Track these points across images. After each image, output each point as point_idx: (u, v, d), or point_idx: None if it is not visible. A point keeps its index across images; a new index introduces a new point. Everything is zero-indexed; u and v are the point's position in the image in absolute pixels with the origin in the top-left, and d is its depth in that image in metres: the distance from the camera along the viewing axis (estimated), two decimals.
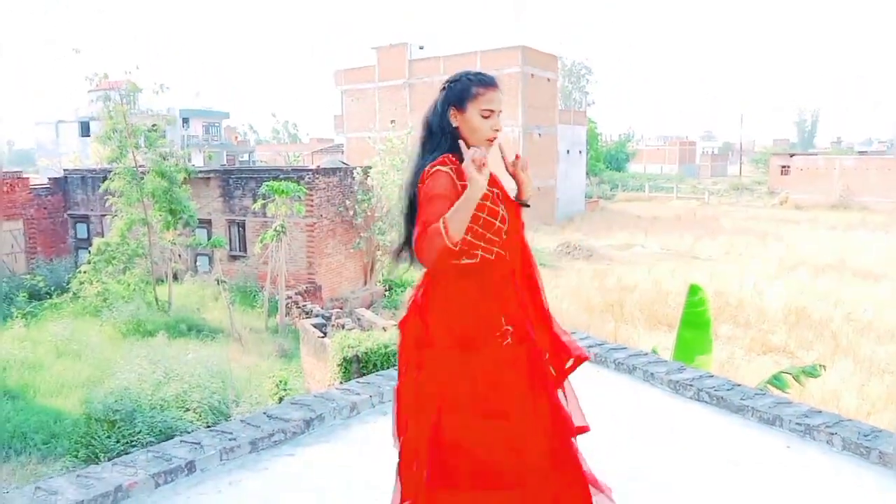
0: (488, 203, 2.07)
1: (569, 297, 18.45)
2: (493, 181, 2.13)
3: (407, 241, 2.19)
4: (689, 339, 6.02)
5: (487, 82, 2.12)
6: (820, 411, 3.52)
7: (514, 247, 2.16)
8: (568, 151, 40.63)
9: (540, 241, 27.93)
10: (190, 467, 2.98)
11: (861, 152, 65.30)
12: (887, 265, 22.59)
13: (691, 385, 3.86)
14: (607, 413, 3.68)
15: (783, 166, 51.29)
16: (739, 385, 3.89)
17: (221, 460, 3.09)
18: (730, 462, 3.16)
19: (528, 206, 2.21)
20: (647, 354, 4.43)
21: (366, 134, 33.39)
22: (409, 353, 2.17)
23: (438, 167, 2.04)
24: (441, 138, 2.13)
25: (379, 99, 37.57)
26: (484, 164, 1.91)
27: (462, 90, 2.12)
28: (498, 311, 2.08)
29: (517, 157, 2.18)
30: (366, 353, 10.56)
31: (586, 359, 2.26)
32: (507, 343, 2.07)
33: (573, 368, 2.25)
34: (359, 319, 14.72)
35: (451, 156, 2.08)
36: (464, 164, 1.92)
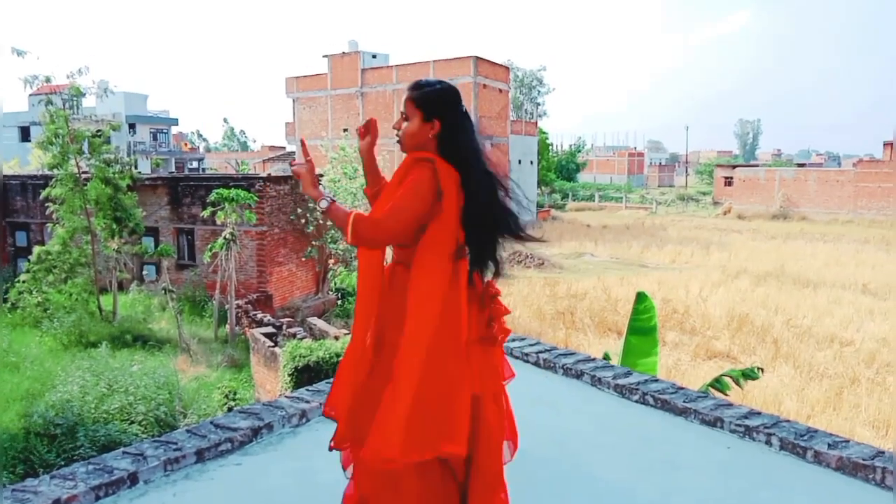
0: None
1: (521, 305, 18.63)
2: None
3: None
4: (636, 344, 6.12)
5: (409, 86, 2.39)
6: (759, 413, 3.61)
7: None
8: (520, 161, 41.04)
9: None
10: (133, 479, 2.90)
11: (800, 165, 67.70)
12: (825, 273, 23.39)
13: (637, 389, 3.93)
14: (554, 417, 3.72)
15: (726, 178, 52.87)
16: (683, 388, 3.97)
17: (166, 471, 3.01)
18: (672, 463, 3.22)
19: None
20: (594, 360, 4.51)
21: (318, 142, 33.13)
22: None
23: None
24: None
25: (331, 107, 37.34)
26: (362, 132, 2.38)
27: None
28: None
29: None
30: (317, 362, 10.54)
31: None
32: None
33: None
34: (311, 329, 14.59)
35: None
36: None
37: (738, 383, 6.28)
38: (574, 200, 57.47)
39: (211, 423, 3.42)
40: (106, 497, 2.79)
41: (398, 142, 2.31)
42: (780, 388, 12.44)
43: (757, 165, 62.63)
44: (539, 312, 18.14)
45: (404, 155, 2.31)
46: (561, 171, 62.73)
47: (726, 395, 6.06)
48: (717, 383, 6.29)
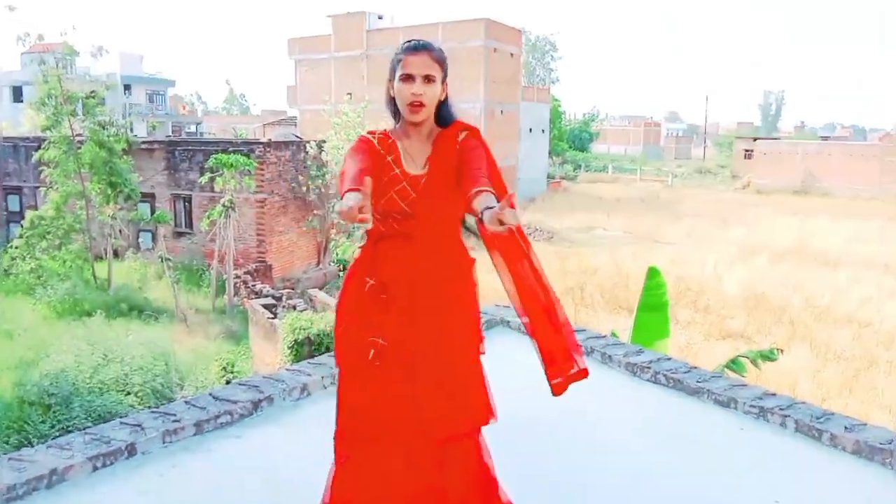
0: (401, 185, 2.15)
1: None
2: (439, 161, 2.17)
3: None
4: (647, 321, 6.09)
5: (410, 48, 2.14)
6: (774, 394, 3.56)
7: (426, 231, 2.17)
8: (530, 130, 40.28)
9: None
10: (130, 450, 2.89)
11: (824, 138, 66.30)
12: (847, 251, 22.99)
13: (648, 367, 3.91)
14: (564, 394, 3.42)
15: (747, 150, 51.90)
16: (696, 368, 3.93)
17: (164, 443, 3.00)
18: (684, 443, 3.21)
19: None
20: (605, 337, 4.48)
21: (320, 107, 32.42)
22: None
23: (365, 133, 2.21)
24: (394, 111, 2.22)
25: (335, 70, 36.62)
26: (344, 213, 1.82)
27: (392, 62, 2.17)
28: (368, 278, 2.19)
29: (510, 196, 1.77)
30: (318, 335, 10.45)
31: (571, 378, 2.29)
32: (372, 358, 2.15)
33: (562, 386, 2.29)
34: (311, 300, 14.50)
35: (390, 130, 2.23)
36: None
37: (755, 364, 6.32)
38: (587, 171, 56.63)
39: (210, 394, 3.43)
40: (103, 468, 2.79)
41: (411, 105, 2.11)
42: (795, 370, 12.22)
43: (779, 138, 61.43)
44: None
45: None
46: (573, 140, 61.81)
47: (742, 376, 5.93)
48: (734, 364, 6.29)
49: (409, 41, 2.18)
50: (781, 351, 6.67)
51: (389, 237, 2.17)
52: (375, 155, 2.12)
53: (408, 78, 2.10)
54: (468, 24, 33.28)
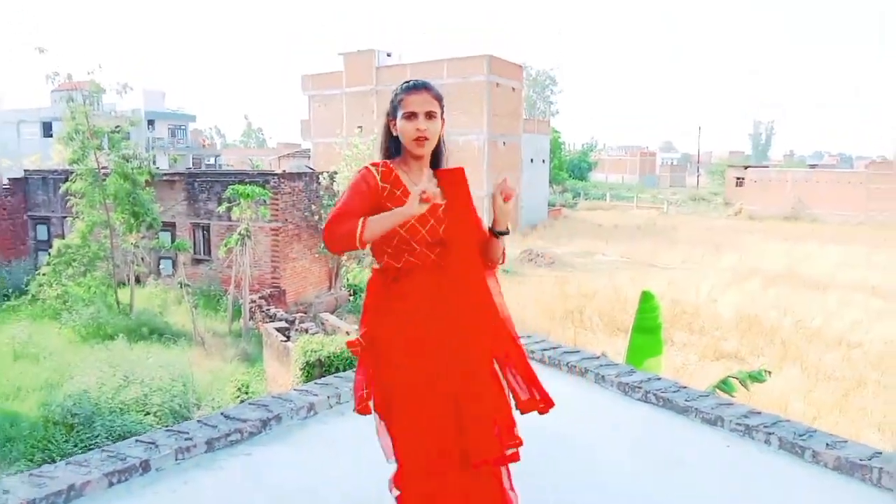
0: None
1: (531, 304, 18.77)
2: (455, 194, 2.27)
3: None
4: (641, 343, 6.17)
5: (410, 88, 2.26)
6: (759, 412, 3.64)
7: (455, 258, 2.26)
8: (532, 160, 41.13)
9: None
10: (145, 466, 2.96)
11: (812, 166, 67.27)
12: (836, 275, 23.33)
13: (640, 387, 3.98)
14: (555, 413, 3.79)
15: (738, 178, 52.60)
16: (685, 387, 4.01)
17: (177, 460, 3.07)
18: (671, 460, 3.26)
19: (502, 233, 2.31)
20: (598, 358, 4.55)
21: (332, 139, 33.36)
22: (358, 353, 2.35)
23: (368, 165, 2.24)
24: (389, 149, 2.32)
25: (346, 105, 37.55)
26: (428, 200, 2.01)
27: (393, 101, 2.28)
28: (409, 311, 2.22)
29: (504, 180, 2.25)
30: (329, 357, 10.55)
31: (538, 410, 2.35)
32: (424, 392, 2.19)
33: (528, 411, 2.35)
34: (322, 324, 14.78)
35: (390, 161, 2.27)
36: (414, 189, 2.07)
37: (744, 385, 6.32)
38: (586, 199, 57.40)
39: (221, 413, 3.47)
40: (119, 483, 2.86)
41: (417, 140, 2.22)
42: (787, 390, 12.50)
43: (768, 167, 62.29)
44: (548, 311, 18.28)
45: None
46: (573, 170, 62.76)
47: (732, 396, 6.10)
48: (724, 385, 6.31)
49: (407, 82, 2.29)
50: (769, 373, 6.68)
51: (412, 269, 2.23)
52: (375, 194, 2.18)
53: (411, 115, 2.20)
54: (472, 61, 34.12)
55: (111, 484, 2.85)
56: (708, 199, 58.39)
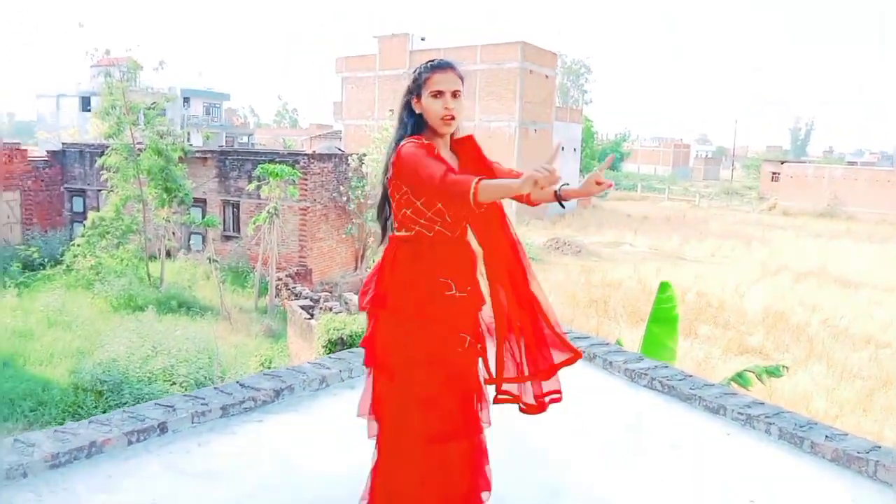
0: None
1: (555, 292, 18.73)
2: (472, 159, 2.30)
3: (385, 218, 2.39)
4: (657, 333, 6.12)
5: (437, 66, 2.26)
6: (762, 403, 3.67)
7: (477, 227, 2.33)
8: (563, 148, 40.81)
9: (530, 235, 28.20)
10: (162, 428, 3.11)
11: (850, 163, 65.79)
12: (867, 274, 22.87)
13: (646, 374, 4.02)
14: (565, 398, 3.76)
15: (774, 173, 51.71)
16: (691, 376, 4.04)
17: (192, 423, 3.21)
18: (670, 446, 3.32)
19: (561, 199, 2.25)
20: (608, 344, 4.58)
21: (364, 122, 33.51)
22: (371, 313, 2.37)
23: (411, 139, 2.21)
24: (408, 126, 2.27)
25: (379, 87, 37.59)
26: (543, 187, 1.94)
27: (417, 79, 2.26)
28: (440, 277, 2.26)
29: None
30: (350, 335, 10.69)
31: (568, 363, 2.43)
32: (465, 348, 2.29)
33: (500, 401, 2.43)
34: (346, 303, 14.94)
35: (417, 137, 2.24)
36: (535, 168, 1.93)
37: (760, 379, 6.27)
38: (617, 190, 56.83)
39: (237, 382, 3.60)
40: (137, 442, 3.03)
41: (444, 119, 2.22)
42: (810, 387, 12.35)
43: (805, 162, 61.07)
44: (573, 299, 18.24)
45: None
46: (604, 159, 62.10)
47: (748, 390, 6.02)
48: (740, 378, 6.27)
49: (431, 60, 2.31)
50: (787, 368, 6.58)
51: (443, 240, 2.28)
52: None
53: (438, 94, 2.20)
54: (505, 48, 33.86)
55: (130, 443, 3.01)
56: (741, 193, 57.53)
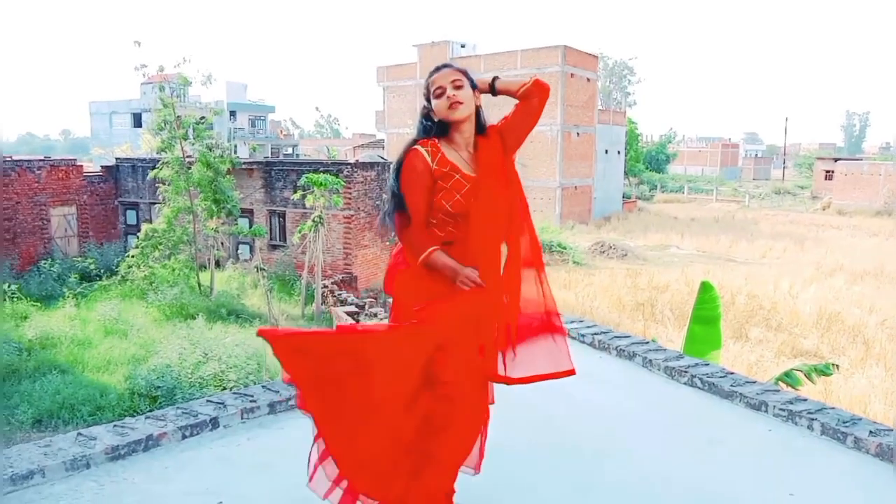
0: (455, 196, 2.35)
1: (601, 296, 18.58)
2: (488, 169, 2.38)
3: (388, 214, 2.51)
4: (699, 333, 6.10)
5: (433, 71, 2.45)
6: (805, 399, 3.64)
7: (476, 233, 2.37)
8: (606, 151, 40.49)
9: (575, 239, 28.04)
10: (214, 423, 3.29)
11: None
12: None
13: (686, 371, 4.02)
14: (601, 394, 3.89)
15: (827, 171, 50.29)
16: (732, 373, 4.03)
17: (242, 419, 3.38)
18: (711, 443, 3.31)
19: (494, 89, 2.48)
20: (647, 343, 4.59)
21: (406, 130, 33.81)
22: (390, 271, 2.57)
23: (416, 146, 2.37)
24: (426, 132, 2.43)
25: (419, 96, 37.88)
26: (468, 286, 2.29)
27: (426, 92, 2.45)
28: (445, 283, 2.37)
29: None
30: None
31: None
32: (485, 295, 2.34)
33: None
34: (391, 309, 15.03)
35: (432, 140, 2.39)
36: (467, 275, 2.29)
37: (809, 378, 6.15)
38: (663, 192, 56.11)
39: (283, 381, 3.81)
40: (191, 436, 3.20)
41: (451, 106, 2.34)
42: (868, 390, 11.98)
43: (860, 159, 59.16)
44: (619, 303, 18.05)
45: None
46: (650, 161, 61.27)
47: (796, 390, 5.89)
48: (787, 377, 6.17)
49: (437, 66, 2.49)
50: (837, 366, 6.45)
51: (453, 241, 2.38)
52: (427, 176, 2.32)
53: (440, 92, 2.36)
54: (546, 52, 33.89)
55: (184, 437, 3.18)
56: (793, 193, 56.17)
